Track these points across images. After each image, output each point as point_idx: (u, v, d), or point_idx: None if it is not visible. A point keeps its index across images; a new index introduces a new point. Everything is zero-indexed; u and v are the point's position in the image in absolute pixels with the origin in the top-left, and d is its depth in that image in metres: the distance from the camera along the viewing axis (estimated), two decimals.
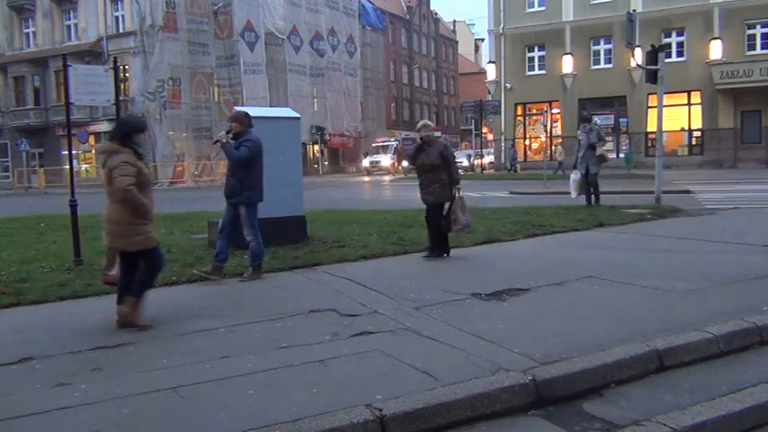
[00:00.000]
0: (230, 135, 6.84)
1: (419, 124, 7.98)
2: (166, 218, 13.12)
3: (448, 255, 7.82)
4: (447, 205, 7.67)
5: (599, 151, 12.79)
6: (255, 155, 6.76)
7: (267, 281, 6.77)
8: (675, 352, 4.08)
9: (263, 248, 6.96)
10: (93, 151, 32.21)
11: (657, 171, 14.18)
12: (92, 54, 37.95)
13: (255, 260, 6.91)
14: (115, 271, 5.18)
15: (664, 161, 15.38)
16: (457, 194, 7.62)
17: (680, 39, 32.44)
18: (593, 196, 13.03)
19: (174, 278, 6.82)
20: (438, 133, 39.63)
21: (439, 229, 7.72)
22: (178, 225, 11.85)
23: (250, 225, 6.86)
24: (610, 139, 31.80)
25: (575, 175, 12.89)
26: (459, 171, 7.82)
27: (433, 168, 7.63)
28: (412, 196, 20.25)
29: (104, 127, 37.80)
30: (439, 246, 7.79)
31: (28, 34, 42.36)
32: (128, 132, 5.05)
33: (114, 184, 4.83)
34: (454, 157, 7.94)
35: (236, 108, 8.68)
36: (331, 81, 45.11)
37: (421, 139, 7.71)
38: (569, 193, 13.64)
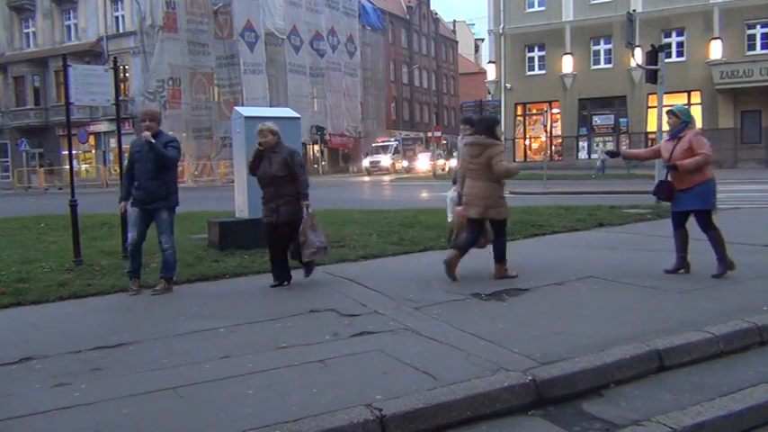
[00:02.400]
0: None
1: (257, 128, 6.45)
2: None
3: (289, 282, 6.52)
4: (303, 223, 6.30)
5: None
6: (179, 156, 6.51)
7: (268, 281, 6.76)
8: (675, 352, 4.08)
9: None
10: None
11: (657, 171, 14.18)
12: (92, 54, 38.00)
13: (170, 271, 6.43)
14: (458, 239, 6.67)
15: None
16: (306, 212, 6.31)
17: (680, 39, 32.44)
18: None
19: (173, 278, 6.81)
20: (438, 133, 39.68)
21: (282, 254, 6.48)
22: (178, 225, 11.70)
23: (170, 232, 6.44)
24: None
25: (452, 193, 9.06)
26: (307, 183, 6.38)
27: (276, 180, 6.26)
28: (412, 196, 20.30)
29: (104, 127, 37.90)
30: (281, 272, 6.51)
31: (28, 34, 42.40)
32: (493, 126, 6.58)
33: (496, 168, 6.30)
34: (304, 166, 6.48)
35: (150, 106, 8.37)
36: (331, 81, 45.11)
37: (260, 144, 6.28)
38: (572, 192, 13.25)
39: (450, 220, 9.39)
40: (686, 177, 6.16)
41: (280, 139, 6.35)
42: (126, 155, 6.92)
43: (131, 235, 6.44)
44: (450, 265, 6.40)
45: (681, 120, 6.27)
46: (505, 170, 6.41)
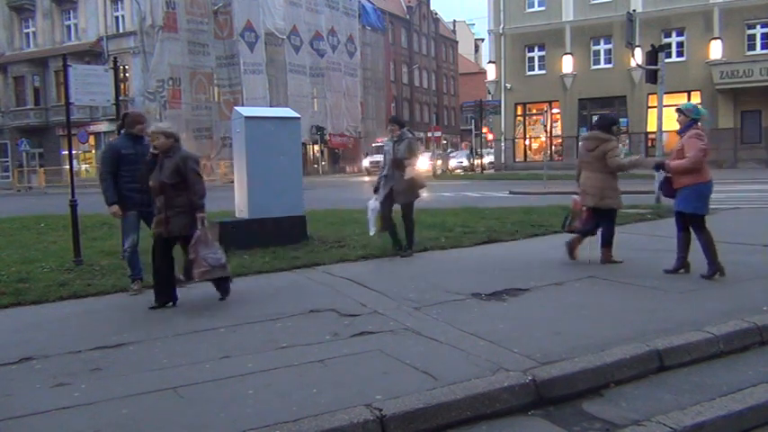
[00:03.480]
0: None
1: (150, 128, 5.91)
2: None
3: (174, 304, 5.75)
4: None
5: (409, 172, 7.88)
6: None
7: (268, 281, 6.77)
8: (675, 352, 4.08)
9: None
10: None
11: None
12: (92, 54, 37.99)
13: (139, 273, 6.38)
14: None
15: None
16: (200, 225, 5.58)
17: (680, 39, 32.43)
18: (405, 238, 8.21)
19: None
20: (438, 133, 39.61)
21: (167, 271, 5.71)
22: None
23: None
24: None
25: (372, 204, 8.14)
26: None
27: (165, 189, 5.56)
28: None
29: (104, 127, 37.88)
30: (164, 291, 5.72)
31: (28, 34, 42.39)
32: (610, 124, 7.17)
33: (609, 162, 6.85)
34: (198, 172, 5.69)
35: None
36: (331, 81, 45.12)
37: (155, 147, 5.62)
38: (572, 193, 12.99)
39: (372, 233, 8.18)
40: (677, 178, 6.21)
41: (176, 142, 5.64)
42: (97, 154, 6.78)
43: (132, 239, 6.31)
44: (572, 248, 7.16)
45: (688, 117, 6.24)
46: (618, 165, 6.92)
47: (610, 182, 6.98)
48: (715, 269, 6.10)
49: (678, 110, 6.31)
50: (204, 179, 5.91)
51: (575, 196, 7.41)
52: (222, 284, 5.83)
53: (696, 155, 6.04)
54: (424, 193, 8.48)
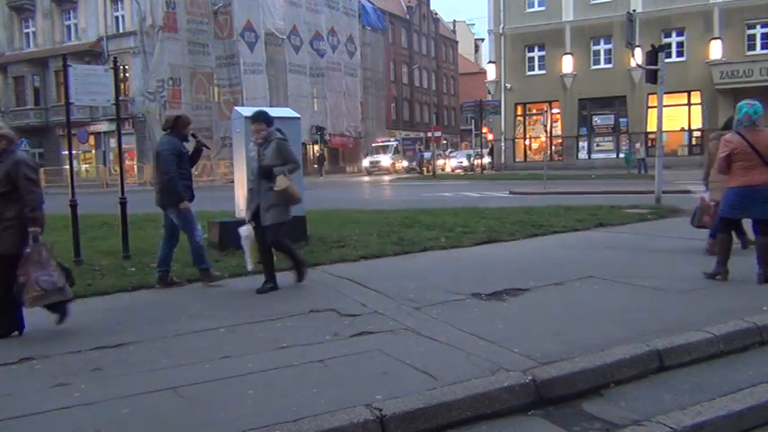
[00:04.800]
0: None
1: None
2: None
3: (20, 333, 4.93)
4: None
5: (280, 183, 6.09)
6: None
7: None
8: (675, 352, 4.08)
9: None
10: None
11: (657, 171, 14.19)
12: (92, 54, 37.97)
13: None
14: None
15: (664, 161, 15.38)
16: (32, 242, 4.79)
17: (680, 39, 32.46)
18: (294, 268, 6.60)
19: (174, 278, 6.81)
20: (438, 133, 39.74)
21: (5, 294, 4.78)
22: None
23: None
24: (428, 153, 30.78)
25: (245, 230, 6.47)
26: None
27: None
28: (412, 196, 20.29)
29: (104, 127, 37.88)
30: (6, 319, 4.88)
31: (28, 34, 42.37)
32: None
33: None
34: (32, 179, 4.85)
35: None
36: (331, 81, 45.11)
37: None
38: (572, 192, 12.82)
39: (249, 268, 6.58)
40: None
41: (10, 144, 4.90)
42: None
43: (201, 229, 6.77)
44: (713, 250, 6.79)
45: (736, 117, 6.13)
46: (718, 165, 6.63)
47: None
48: (717, 271, 6.07)
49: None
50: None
51: (703, 193, 7.67)
52: (59, 307, 4.95)
53: (718, 161, 6.12)
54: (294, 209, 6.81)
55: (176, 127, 6.68)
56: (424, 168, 38.42)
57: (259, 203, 6.25)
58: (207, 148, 7.09)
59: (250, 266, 6.55)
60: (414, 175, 39.13)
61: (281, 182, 6.08)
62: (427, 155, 38.46)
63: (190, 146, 6.85)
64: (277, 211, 6.19)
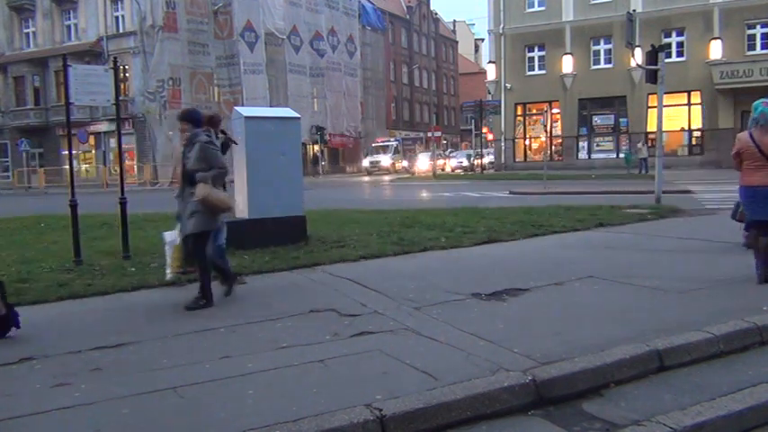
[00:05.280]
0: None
1: None
2: (166, 218, 13.11)
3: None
4: None
5: (199, 191, 5.54)
6: None
7: (268, 281, 6.76)
8: (675, 352, 4.08)
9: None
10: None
11: (657, 171, 14.18)
12: (92, 54, 37.97)
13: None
14: None
15: (664, 161, 15.38)
16: None
17: (680, 39, 32.45)
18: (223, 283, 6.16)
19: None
20: (438, 133, 39.79)
21: None
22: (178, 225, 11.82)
23: None
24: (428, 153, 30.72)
25: (169, 236, 6.18)
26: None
27: None
28: (412, 196, 20.29)
29: (104, 127, 37.88)
30: None
31: (28, 34, 42.37)
32: None
33: None
34: None
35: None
36: (331, 81, 45.13)
37: None
38: (572, 192, 12.81)
39: (168, 276, 6.24)
40: None
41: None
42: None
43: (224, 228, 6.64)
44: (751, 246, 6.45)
45: (751, 116, 6.07)
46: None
47: None
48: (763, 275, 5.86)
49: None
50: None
51: None
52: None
53: (733, 152, 6.01)
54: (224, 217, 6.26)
55: (209, 125, 6.65)
56: (414, 169, 38.57)
57: (185, 211, 5.75)
58: (235, 143, 7.06)
59: (169, 275, 6.09)
60: (405, 175, 39.20)
61: (199, 190, 5.54)
62: (426, 155, 38.48)
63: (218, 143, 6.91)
64: (199, 220, 5.64)
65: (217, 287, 5.94)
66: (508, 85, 36.05)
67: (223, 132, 6.99)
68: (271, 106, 33.11)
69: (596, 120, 35.16)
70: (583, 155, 35.21)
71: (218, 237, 6.38)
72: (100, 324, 5.22)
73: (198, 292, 5.75)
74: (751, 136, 5.88)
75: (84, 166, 39.73)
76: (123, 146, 9.28)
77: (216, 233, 6.32)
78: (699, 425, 3.25)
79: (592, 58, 34.49)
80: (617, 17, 29.51)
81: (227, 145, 7.11)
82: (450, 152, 50.51)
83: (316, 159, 43.11)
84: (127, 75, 37.52)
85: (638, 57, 17.25)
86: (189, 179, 5.71)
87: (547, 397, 3.57)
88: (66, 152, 34.67)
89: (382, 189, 26.81)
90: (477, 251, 8.38)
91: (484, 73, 47.00)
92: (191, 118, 5.85)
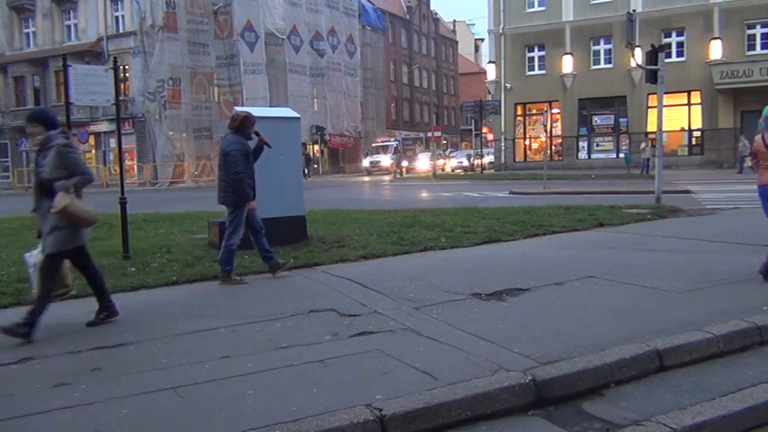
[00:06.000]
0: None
1: None
2: (166, 218, 13.12)
3: None
4: None
5: (58, 201, 4.81)
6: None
7: (268, 281, 6.77)
8: (675, 352, 4.08)
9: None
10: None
11: (657, 171, 14.19)
12: (92, 54, 37.96)
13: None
14: None
15: (664, 161, 15.39)
16: None
17: (680, 39, 32.43)
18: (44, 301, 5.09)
19: (174, 278, 6.82)
20: (438, 133, 39.72)
21: None
22: (178, 225, 11.85)
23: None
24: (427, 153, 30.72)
25: (30, 258, 5.36)
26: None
27: None
28: (412, 196, 20.29)
29: (104, 127, 37.89)
30: None
31: (28, 34, 42.35)
32: None
33: None
34: None
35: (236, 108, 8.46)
36: (331, 81, 45.10)
37: None
38: (572, 192, 12.93)
39: (32, 299, 5.17)
40: None
41: None
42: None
43: (241, 233, 6.78)
44: None
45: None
46: None
47: None
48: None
49: None
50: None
51: None
52: None
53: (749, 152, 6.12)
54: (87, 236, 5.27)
55: (244, 126, 6.72)
56: (402, 169, 38.41)
57: (46, 226, 4.90)
58: (269, 146, 6.93)
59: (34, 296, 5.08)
60: (413, 174, 39.15)
61: (59, 200, 4.73)
62: (426, 155, 38.28)
63: (252, 144, 6.86)
64: (58, 237, 4.84)
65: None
66: (508, 85, 36.03)
67: (257, 134, 6.86)
68: (271, 106, 33.10)
69: (596, 120, 35.14)
70: (583, 155, 35.19)
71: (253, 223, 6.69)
72: (99, 324, 5.21)
73: (25, 316, 4.74)
74: (763, 138, 6.07)
75: None
76: (123, 146, 9.29)
77: (232, 230, 6.55)
78: (699, 425, 3.25)
79: (592, 58, 34.47)
80: (617, 17, 29.51)
81: (260, 149, 6.93)
82: (450, 152, 50.49)
83: (308, 159, 42.83)
84: (127, 75, 37.52)
85: (638, 57, 17.25)
86: (45, 190, 4.86)
87: (547, 397, 3.57)
88: None
89: (382, 189, 26.81)
90: (477, 251, 8.38)
91: (484, 73, 46.97)
92: (43, 119, 4.97)
